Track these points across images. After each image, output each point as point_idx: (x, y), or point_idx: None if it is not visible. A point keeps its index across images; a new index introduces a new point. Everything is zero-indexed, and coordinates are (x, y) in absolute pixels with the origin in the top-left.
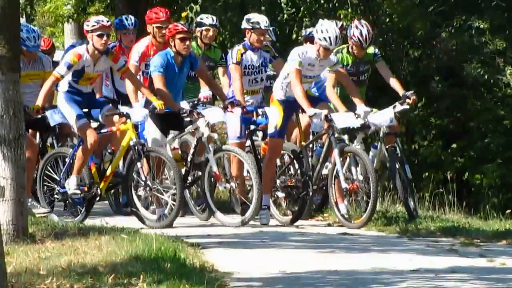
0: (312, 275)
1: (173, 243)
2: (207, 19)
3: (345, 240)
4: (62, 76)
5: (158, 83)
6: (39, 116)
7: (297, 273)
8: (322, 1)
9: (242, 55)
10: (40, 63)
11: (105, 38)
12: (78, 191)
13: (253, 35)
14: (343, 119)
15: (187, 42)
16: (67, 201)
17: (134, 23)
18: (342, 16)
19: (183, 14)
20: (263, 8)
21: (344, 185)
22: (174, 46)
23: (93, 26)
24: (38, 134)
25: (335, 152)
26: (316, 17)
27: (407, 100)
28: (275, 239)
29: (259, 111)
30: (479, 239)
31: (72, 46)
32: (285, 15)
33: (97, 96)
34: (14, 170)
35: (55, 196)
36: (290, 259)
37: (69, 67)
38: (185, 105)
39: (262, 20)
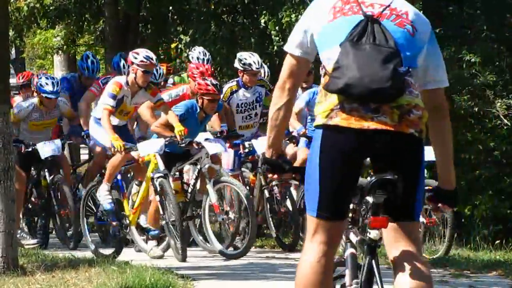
0: None
1: (163, 275)
2: (198, 61)
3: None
4: (113, 107)
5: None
6: (30, 149)
7: None
8: None
9: (232, 93)
10: (57, 109)
11: (149, 76)
12: (109, 199)
13: (245, 76)
14: None
15: (215, 105)
16: (104, 232)
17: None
18: None
19: (173, 45)
20: (252, 40)
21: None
22: (202, 103)
23: (142, 61)
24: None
25: None
26: None
27: None
28: (266, 271)
29: (246, 144)
30: (469, 270)
31: (65, 78)
32: (275, 47)
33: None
34: (3, 202)
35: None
36: None
37: (113, 97)
38: (208, 136)
39: (254, 61)
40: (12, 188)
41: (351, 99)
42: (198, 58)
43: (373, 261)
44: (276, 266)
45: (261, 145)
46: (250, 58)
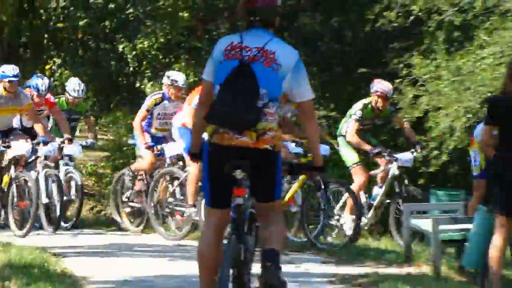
0: (156, 279)
1: (40, 253)
2: (73, 92)
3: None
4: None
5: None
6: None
7: (145, 276)
8: None
9: (156, 104)
10: (19, 98)
11: None
12: None
13: (171, 89)
14: None
15: None
16: None
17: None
18: None
19: (47, 67)
20: (112, 62)
21: None
22: None
23: None
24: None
25: None
26: None
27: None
28: (123, 249)
29: (158, 147)
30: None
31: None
32: (131, 69)
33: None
34: None
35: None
36: (140, 265)
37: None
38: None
39: (180, 79)
40: None
41: None
42: (74, 89)
43: (240, 218)
44: (131, 245)
45: (171, 149)
46: (177, 76)
